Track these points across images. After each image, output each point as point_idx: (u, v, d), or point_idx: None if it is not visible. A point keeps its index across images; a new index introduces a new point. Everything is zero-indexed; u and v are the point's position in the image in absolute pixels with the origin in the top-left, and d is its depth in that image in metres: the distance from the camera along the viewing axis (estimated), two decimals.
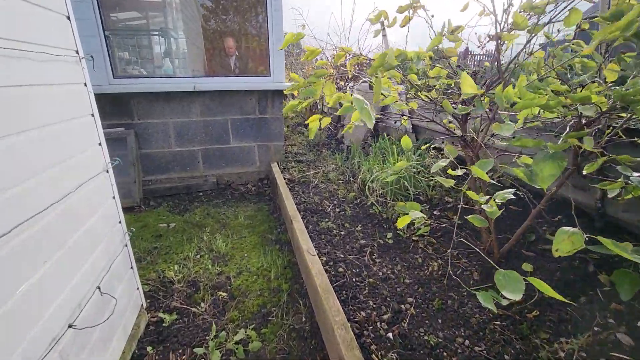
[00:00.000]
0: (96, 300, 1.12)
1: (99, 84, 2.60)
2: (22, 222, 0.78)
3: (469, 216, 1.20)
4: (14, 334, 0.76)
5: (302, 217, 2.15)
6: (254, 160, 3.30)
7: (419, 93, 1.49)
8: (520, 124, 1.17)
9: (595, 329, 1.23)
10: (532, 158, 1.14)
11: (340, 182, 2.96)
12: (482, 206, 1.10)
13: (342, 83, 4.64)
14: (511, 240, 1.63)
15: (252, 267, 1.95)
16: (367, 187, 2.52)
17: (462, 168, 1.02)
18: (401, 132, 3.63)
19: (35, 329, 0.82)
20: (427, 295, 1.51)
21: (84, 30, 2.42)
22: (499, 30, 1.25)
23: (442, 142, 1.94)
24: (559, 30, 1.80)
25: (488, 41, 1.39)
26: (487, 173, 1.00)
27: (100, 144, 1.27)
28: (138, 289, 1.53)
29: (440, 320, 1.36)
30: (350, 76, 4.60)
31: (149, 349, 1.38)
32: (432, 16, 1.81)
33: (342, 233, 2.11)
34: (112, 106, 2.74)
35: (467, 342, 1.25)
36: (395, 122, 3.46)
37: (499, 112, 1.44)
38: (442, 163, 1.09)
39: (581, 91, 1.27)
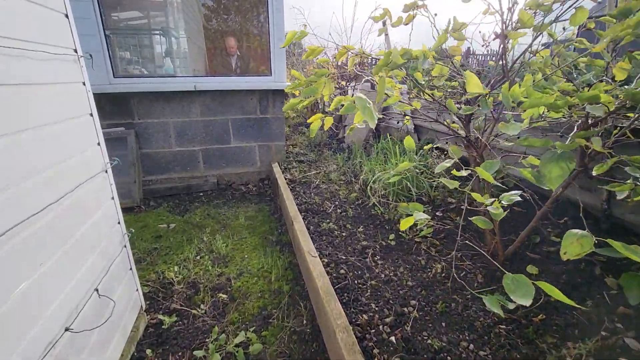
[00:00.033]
0: (94, 303, 1.10)
1: (100, 84, 2.58)
2: (16, 224, 0.77)
3: (473, 217, 1.18)
4: (9, 339, 0.74)
5: (303, 218, 2.13)
6: (255, 161, 3.28)
7: (423, 92, 1.47)
8: (526, 124, 1.15)
9: (603, 333, 1.20)
10: (538, 159, 1.11)
11: (342, 182, 2.93)
12: (488, 208, 1.08)
13: (343, 83, 4.62)
14: (516, 242, 1.61)
15: (252, 269, 1.93)
16: (369, 187, 2.49)
17: (467, 169, 1.00)
18: (403, 132, 3.60)
19: (30, 334, 0.80)
20: (430, 298, 1.48)
21: (84, 30, 2.41)
22: (505, 28, 1.22)
23: (446, 143, 1.92)
24: (564, 28, 1.77)
25: (494, 39, 1.36)
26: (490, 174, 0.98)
27: (99, 144, 1.26)
28: (137, 290, 1.51)
29: (444, 324, 1.34)
30: (351, 75, 4.58)
31: (148, 351, 1.36)
32: (435, 15, 1.79)
33: (344, 234, 2.08)
34: (112, 106, 2.73)
35: (471, 346, 1.23)
36: (398, 123, 3.43)
37: (504, 112, 1.42)
38: (447, 164, 1.07)
39: (588, 90, 1.24)
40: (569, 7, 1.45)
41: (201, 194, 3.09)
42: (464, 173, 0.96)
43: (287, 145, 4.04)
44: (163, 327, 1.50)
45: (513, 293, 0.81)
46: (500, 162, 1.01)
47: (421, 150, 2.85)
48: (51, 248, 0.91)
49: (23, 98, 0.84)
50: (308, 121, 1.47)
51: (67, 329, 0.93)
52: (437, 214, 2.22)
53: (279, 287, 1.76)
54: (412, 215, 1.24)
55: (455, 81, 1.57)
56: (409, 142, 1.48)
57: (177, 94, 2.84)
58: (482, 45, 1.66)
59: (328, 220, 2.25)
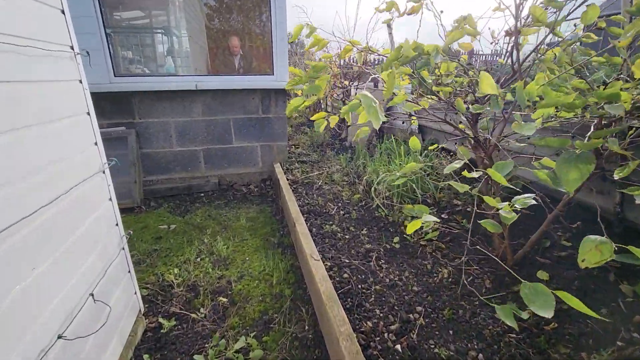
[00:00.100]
0: (90, 307, 1.06)
1: (100, 83, 2.56)
2: (5, 227, 0.73)
3: (483, 221, 1.13)
4: None
5: (305, 220, 2.08)
6: (257, 161, 3.24)
7: (431, 89, 1.42)
8: (539, 123, 1.10)
9: (619, 343, 1.14)
10: (552, 160, 1.06)
11: (345, 183, 2.89)
12: (500, 211, 1.03)
13: (346, 82, 4.57)
14: (525, 246, 1.55)
15: (253, 271, 1.89)
16: (372, 189, 2.44)
17: (478, 170, 0.95)
18: (407, 133, 3.55)
19: (22, 343, 0.76)
20: (436, 304, 1.43)
21: (84, 28, 2.39)
22: (517, 25, 1.17)
23: (455, 144, 1.87)
24: (575, 25, 1.72)
25: (505, 36, 1.31)
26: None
27: (96, 144, 1.22)
28: (136, 293, 1.48)
29: (451, 332, 1.29)
30: (355, 74, 4.53)
31: (146, 356, 1.33)
32: (442, 12, 1.74)
33: (347, 237, 2.04)
34: (113, 105, 2.70)
35: (480, 355, 1.18)
36: (403, 123, 3.38)
37: (508, 112, 1.36)
38: (456, 165, 1.02)
39: (603, 89, 1.19)
40: (580, 4, 1.40)
41: (202, 194, 3.06)
42: (475, 175, 0.91)
43: (289, 145, 4.00)
44: (162, 331, 1.47)
45: (532, 303, 0.76)
46: (513, 163, 0.96)
47: (425, 151, 2.80)
48: (44, 252, 0.87)
49: (13, 96, 0.80)
50: (312, 118, 1.43)
51: (60, 337, 0.89)
52: (443, 216, 2.17)
53: (281, 290, 1.72)
54: (417, 217, 1.20)
55: (462, 77, 1.51)
56: (415, 142, 1.43)
57: (178, 93, 2.81)
58: (492, 43, 1.60)
59: (331, 222, 2.20)
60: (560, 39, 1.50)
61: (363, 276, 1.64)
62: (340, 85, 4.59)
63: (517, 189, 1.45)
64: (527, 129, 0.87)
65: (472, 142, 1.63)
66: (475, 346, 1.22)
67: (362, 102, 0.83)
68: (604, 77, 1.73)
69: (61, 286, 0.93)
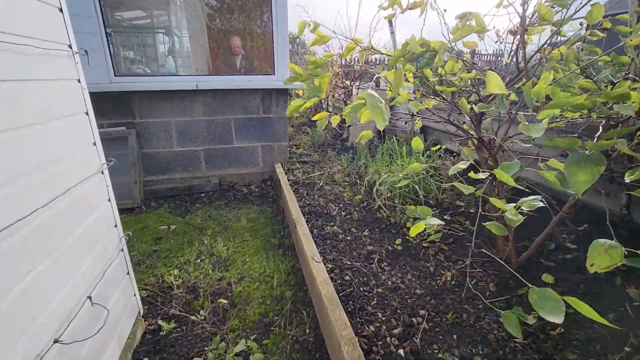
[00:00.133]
0: (88, 310, 1.04)
1: (100, 82, 2.55)
2: (3, 228, 0.71)
3: (487, 223, 1.10)
4: None
5: (306, 221, 2.06)
6: (258, 161, 3.23)
7: (434, 88, 1.39)
8: (545, 123, 1.07)
9: (627, 349, 1.12)
10: (559, 161, 1.04)
11: (346, 184, 2.86)
12: (506, 213, 1.01)
13: (347, 82, 4.55)
14: (530, 248, 1.53)
15: (254, 273, 1.87)
16: (374, 189, 2.42)
17: (485, 171, 0.93)
18: (409, 133, 3.52)
19: (17, 348, 0.75)
20: (440, 307, 1.41)
21: (85, 27, 2.38)
22: (524, 22, 1.15)
23: (459, 144, 1.84)
24: (581, 24, 1.70)
25: (514, 34, 1.29)
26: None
27: (95, 144, 1.20)
28: (135, 295, 1.46)
29: (455, 336, 1.26)
30: (356, 74, 4.51)
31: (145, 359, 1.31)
32: (445, 10, 1.72)
33: (349, 238, 2.02)
34: (113, 105, 2.69)
35: None
36: (406, 123, 3.35)
37: (517, 112, 1.34)
38: (462, 166, 1.00)
39: (611, 89, 1.16)
40: (585, 3, 1.37)
41: (203, 194, 3.04)
42: (482, 175, 0.89)
43: (290, 145, 3.98)
44: (161, 333, 1.45)
45: (541, 309, 0.74)
46: (519, 164, 0.94)
47: (428, 152, 2.78)
48: (40, 254, 0.85)
49: (8, 95, 0.79)
50: (313, 118, 1.41)
51: (56, 341, 0.87)
52: (445, 217, 2.15)
53: (281, 292, 1.70)
54: (419, 218, 1.18)
55: (468, 74, 1.48)
56: (417, 143, 1.41)
57: (179, 93, 2.80)
58: (496, 42, 1.58)
59: (332, 223, 2.18)
60: (564, 38, 1.48)
61: (365, 279, 1.62)
62: (341, 85, 4.57)
63: (526, 189, 1.43)
64: (534, 130, 0.84)
65: (476, 142, 1.60)
66: (480, 351, 1.19)
67: (367, 102, 0.81)
68: (610, 76, 1.70)
69: (58, 289, 0.91)
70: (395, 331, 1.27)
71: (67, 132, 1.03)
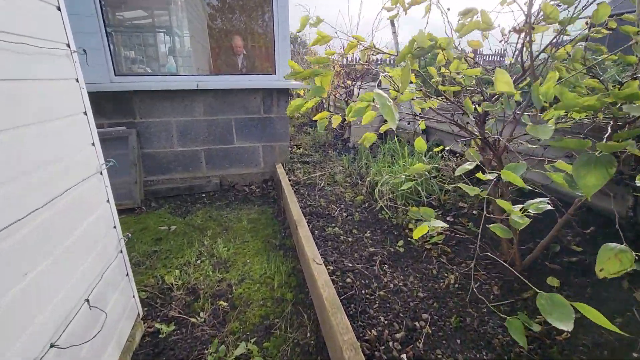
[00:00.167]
0: (85, 313, 1.03)
1: (100, 82, 2.54)
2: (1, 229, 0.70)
3: (492, 225, 1.08)
4: None
5: (307, 222, 2.04)
6: (258, 161, 3.21)
7: (437, 88, 1.37)
8: (552, 124, 1.05)
9: (635, 354, 1.09)
10: (568, 163, 1.01)
11: (348, 184, 2.84)
12: (512, 216, 0.98)
13: (349, 82, 4.53)
14: (535, 251, 1.50)
15: (254, 275, 1.85)
16: (376, 190, 2.40)
17: (492, 172, 0.91)
18: (411, 133, 3.50)
19: (15, 349, 0.73)
20: (443, 311, 1.38)
21: (85, 27, 2.36)
22: (529, 19, 1.12)
23: (464, 145, 1.82)
24: (587, 23, 1.67)
25: (519, 32, 1.26)
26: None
27: (93, 144, 1.18)
28: (134, 297, 1.44)
29: (458, 341, 1.24)
30: (358, 74, 4.48)
31: None
32: (448, 9, 1.70)
33: (350, 239, 1.99)
34: (113, 105, 2.68)
35: None
36: (409, 123, 3.32)
37: (523, 112, 1.31)
38: (468, 166, 0.97)
39: (619, 89, 1.14)
40: (591, 2, 1.35)
41: (203, 195, 3.02)
42: (490, 176, 0.86)
43: (291, 145, 3.96)
44: (160, 336, 1.43)
45: (549, 315, 0.72)
46: (526, 165, 0.92)
47: (430, 152, 2.75)
48: (37, 257, 0.84)
49: (6, 94, 0.77)
50: (315, 118, 1.39)
51: (52, 345, 0.86)
52: (448, 219, 2.12)
53: (282, 294, 1.68)
54: (422, 220, 1.16)
55: (473, 69, 1.45)
56: (420, 144, 1.38)
57: (180, 93, 2.78)
58: (501, 41, 1.55)
59: (333, 225, 2.16)
60: (567, 37, 1.45)
61: (367, 281, 1.60)
62: (343, 85, 4.55)
63: (535, 190, 1.40)
64: (543, 132, 0.82)
65: (480, 143, 1.58)
66: (485, 357, 1.17)
67: (377, 101, 0.78)
68: (615, 76, 1.67)
69: (55, 291, 0.90)
70: (398, 335, 1.25)
71: (65, 133, 1.01)
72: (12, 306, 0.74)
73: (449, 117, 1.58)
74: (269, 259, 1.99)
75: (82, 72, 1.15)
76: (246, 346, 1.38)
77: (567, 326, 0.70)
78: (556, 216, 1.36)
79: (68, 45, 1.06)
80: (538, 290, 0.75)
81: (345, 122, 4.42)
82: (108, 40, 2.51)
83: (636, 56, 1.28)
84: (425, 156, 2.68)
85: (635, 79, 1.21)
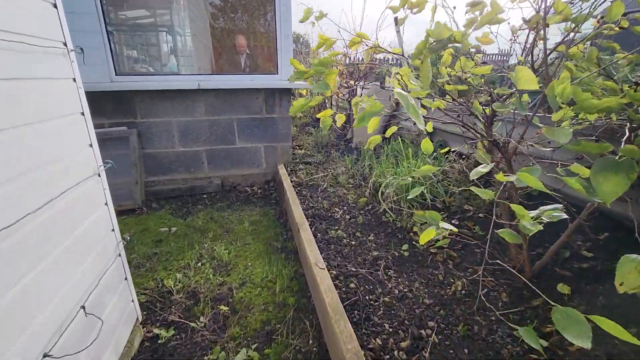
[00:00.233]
0: (82, 320, 1.00)
1: (101, 81, 2.51)
2: None
3: (500, 230, 1.04)
4: None
5: (310, 224, 2.01)
6: (260, 162, 3.18)
7: (443, 88, 1.33)
8: (567, 125, 1.00)
9: None
10: (577, 164, 0.97)
11: (350, 186, 2.80)
12: (523, 222, 0.94)
13: (352, 82, 4.49)
14: (545, 257, 1.45)
15: (255, 278, 1.81)
16: (379, 192, 2.36)
17: (507, 175, 0.86)
18: (414, 134, 3.45)
19: (10, 353, 0.70)
20: (450, 319, 1.34)
21: (85, 25, 2.34)
22: (543, 10, 1.07)
23: (474, 147, 1.77)
24: (598, 21, 1.62)
25: (531, 27, 1.21)
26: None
27: (91, 145, 1.15)
28: (133, 301, 1.41)
29: (466, 350, 1.20)
30: (361, 73, 4.44)
31: None
32: (454, 7, 1.65)
33: (353, 243, 1.95)
34: (114, 104, 2.66)
35: None
36: (415, 124, 3.27)
37: (533, 113, 1.27)
38: (484, 169, 0.93)
39: (634, 90, 1.09)
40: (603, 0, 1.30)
41: (205, 195, 3.00)
42: (512, 178, 0.82)
43: (293, 146, 3.93)
44: (159, 341, 1.40)
45: (565, 331, 0.68)
46: (540, 169, 0.87)
47: (435, 153, 2.70)
48: (31, 261, 0.81)
49: None
50: (318, 116, 1.35)
51: (45, 355, 0.83)
52: (453, 222, 2.08)
53: (284, 299, 1.65)
54: (426, 223, 1.12)
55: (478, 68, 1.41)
56: (427, 145, 1.34)
57: (181, 93, 2.76)
58: (510, 39, 1.51)
59: (336, 227, 2.12)
60: (579, 35, 1.40)
61: (371, 286, 1.56)
62: (345, 85, 4.50)
63: (544, 193, 1.35)
64: (561, 135, 0.77)
65: (487, 145, 1.53)
66: None
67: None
68: (628, 76, 1.61)
69: (50, 298, 0.87)
70: (403, 344, 1.21)
71: (61, 134, 0.98)
72: (5, 313, 0.71)
73: (456, 118, 1.53)
74: (270, 262, 1.96)
75: (83, 72, 1.12)
76: (247, 353, 1.34)
77: (584, 343, 0.66)
78: (566, 220, 1.31)
79: (65, 44, 1.03)
80: (549, 300, 0.71)
81: (347, 122, 4.38)
82: (109, 39, 2.48)
83: None
84: (429, 158, 2.64)
85: None
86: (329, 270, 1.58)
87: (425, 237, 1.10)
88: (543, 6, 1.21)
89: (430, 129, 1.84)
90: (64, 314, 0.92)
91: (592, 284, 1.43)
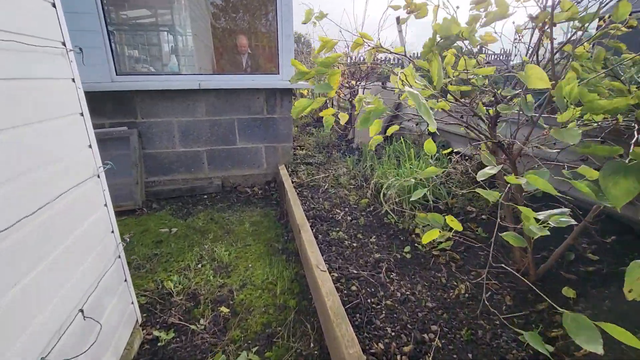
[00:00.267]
0: (80, 323, 0.98)
1: (101, 81, 2.50)
2: None
3: (504, 234, 1.02)
4: None
5: (311, 226, 1.99)
6: (261, 162, 3.16)
7: (447, 89, 1.31)
8: (574, 126, 0.98)
9: None
10: (585, 166, 0.95)
11: (352, 187, 2.78)
12: (530, 226, 0.92)
13: (353, 82, 4.47)
14: (550, 260, 1.43)
15: (256, 280, 1.80)
16: (381, 194, 2.34)
17: (518, 177, 0.85)
18: (416, 134, 3.43)
19: (10, 353, 0.69)
20: (453, 322, 1.32)
21: (85, 25, 2.33)
22: (551, 7, 1.05)
23: (474, 147, 1.75)
24: (604, 20, 1.60)
25: (538, 24, 1.19)
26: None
27: (90, 146, 1.14)
28: (132, 303, 1.40)
29: (470, 355, 1.18)
30: (363, 74, 4.42)
31: None
32: (457, 7, 1.64)
33: (355, 245, 1.94)
34: (115, 104, 2.65)
35: None
36: (417, 125, 3.25)
37: (539, 114, 1.25)
38: (491, 171, 0.92)
39: None
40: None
41: (205, 196, 2.98)
42: (522, 181, 0.80)
43: (294, 146, 3.91)
44: (159, 344, 1.39)
45: (577, 337, 0.67)
46: (548, 172, 0.86)
47: (437, 154, 2.68)
48: (31, 261, 0.79)
49: None
50: (321, 114, 1.33)
51: (43, 359, 0.81)
52: None
53: (285, 301, 1.63)
54: (429, 225, 1.10)
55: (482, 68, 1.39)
56: (430, 146, 1.32)
57: (182, 93, 2.74)
58: (515, 39, 1.48)
59: (338, 229, 2.11)
60: (586, 34, 1.38)
61: (372, 289, 1.54)
62: (347, 85, 4.49)
63: (549, 195, 1.33)
64: (570, 136, 0.75)
65: (491, 146, 1.51)
66: None
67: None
68: (635, 77, 1.59)
69: (49, 299, 0.85)
70: (406, 349, 1.19)
71: (60, 134, 0.97)
72: (1, 318, 0.69)
73: (459, 119, 1.51)
74: (271, 263, 1.94)
75: (83, 72, 1.11)
76: (247, 356, 1.33)
77: (597, 348, 0.65)
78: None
79: (64, 44, 1.01)
80: (554, 304, 0.69)
81: (349, 123, 4.36)
82: (109, 39, 2.47)
83: None
84: (431, 158, 2.61)
85: None
86: (330, 273, 1.56)
87: (428, 237, 1.08)
88: (549, 3, 1.19)
89: (433, 129, 1.81)
90: (64, 314, 0.91)
91: (598, 288, 1.41)
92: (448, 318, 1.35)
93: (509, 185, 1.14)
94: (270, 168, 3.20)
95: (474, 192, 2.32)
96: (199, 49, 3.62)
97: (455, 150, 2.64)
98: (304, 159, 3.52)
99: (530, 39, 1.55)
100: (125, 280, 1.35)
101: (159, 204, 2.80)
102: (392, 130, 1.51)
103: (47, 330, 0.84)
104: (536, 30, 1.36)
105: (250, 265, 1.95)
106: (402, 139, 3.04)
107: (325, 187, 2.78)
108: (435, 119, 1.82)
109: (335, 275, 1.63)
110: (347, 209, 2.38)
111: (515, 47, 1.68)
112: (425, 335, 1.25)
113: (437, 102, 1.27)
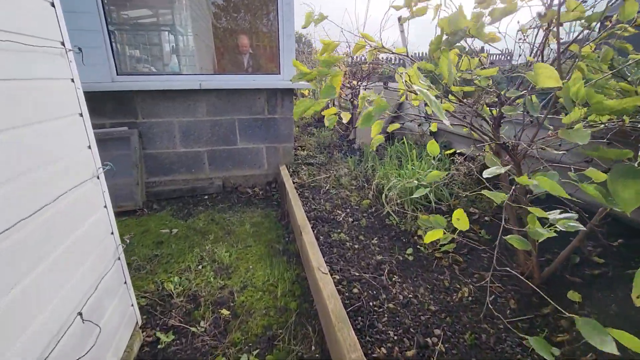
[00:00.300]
0: (79, 326, 0.97)
1: (102, 81, 2.49)
2: None
3: (508, 237, 1.01)
4: None
5: (312, 227, 1.98)
6: (262, 163, 3.15)
7: (449, 89, 1.29)
8: (580, 127, 0.96)
9: None
10: (593, 169, 0.93)
11: (353, 187, 2.77)
12: (537, 229, 0.90)
13: (355, 82, 4.45)
14: (554, 262, 1.41)
15: (257, 282, 1.78)
16: (383, 195, 2.32)
17: (528, 181, 0.83)
18: (418, 135, 3.41)
19: (10, 353, 0.68)
20: (456, 326, 1.30)
21: (86, 24, 2.32)
22: (558, 5, 1.03)
23: (477, 148, 1.73)
24: (610, 20, 1.57)
25: (544, 23, 1.17)
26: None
27: (89, 147, 1.13)
28: (132, 305, 1.39)
29: None
30: (364, 74, 4.40)
31: None
32: (460, 6, 1.62)
33: (357, 246, 1.92)
34: (115, 104, 2.64)
35: None
36: (420, 125, 3.23)
37: (545, 115, 1.23)
38: (498, 170, 0.90)
39: None
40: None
41: (206, 197, 2.97)
42: (534, 181, 0.79)
43: (295, 146, 3.90)
44: (159, 346, 1.38)
45: (591, 339, 0.66)
46: (556, 174, 0.84)
47: (439, 155, 2.66)
48: (24, 269, 0.78)
49: None
50: (323, 113, 1.32)
51: None
52: None
53: (286, 303, 1.61)
54: (431, 227, 1.09)
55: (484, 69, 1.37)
56: (433, 147, 1.31)
57: (182, 93, 2.73)
58: (520, 39, 1.46)
59: (339, 230, 2.09)
60: (591, 32, 1.36)
61: (374, 292, 1.52)
62: (348, 85, 4.47)
63: (553, 196, 1.31)
64: (579, 137, 0.74)
65: (495, 147, 1.49)
66: None
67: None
68: None
69: (49, 299, 0.84)
70: (409, 353, 1.17)
71: (59, 135, 0.96)
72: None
73: (462, 120, 1.49)
74: (272, 265, 1.93)
75: (84, 72, 1.10)
76: (248, 359, 1.31)
77: (612, 349, 0.65)
78: None
79: (63, 44, 1.00)
80: (560, 308, 0.68)
81: (350, 123, 4.34)
82: (110, 39, 2.46)
83: None
84: (434, 159, 2.60)
85: None
86: (331, 275, 1.55)
87: (430, 237, 1.07)
88: (555, 2, 1.17)
89: (434, 129, 1.79)
90: (64, 315, 0.90)
91: (604, 291, 1.39)
92: (451, 322, 1.33)
93: (513, 187, 1.13)
94: (271, 168, 3.18)
95: (476, 194, 2.30)
96: (200, 49, 3.61)
97: (458, 151, 2.62)
98: (305, 160, 3.51)
99: (535, 38, 1.53)
100: (125, 282, 1.34)
101: (160, 204, 2.79)
102: (393, 127, 1.50)
103: (47, 330, 0.83)
104: (541, 30, 1.34)
105: (251, 266, 1.93)
106: (404, 139, 3.03)
107: (327, 187, 2.77)
108: (438, 120, 1.80)
109: (337, 277, 1.61)
110: (348, 210, 2.37)
111: (520, 47, 1.66)
112: (428, 340, 1.24)
113: (441, 102, 1.25)
